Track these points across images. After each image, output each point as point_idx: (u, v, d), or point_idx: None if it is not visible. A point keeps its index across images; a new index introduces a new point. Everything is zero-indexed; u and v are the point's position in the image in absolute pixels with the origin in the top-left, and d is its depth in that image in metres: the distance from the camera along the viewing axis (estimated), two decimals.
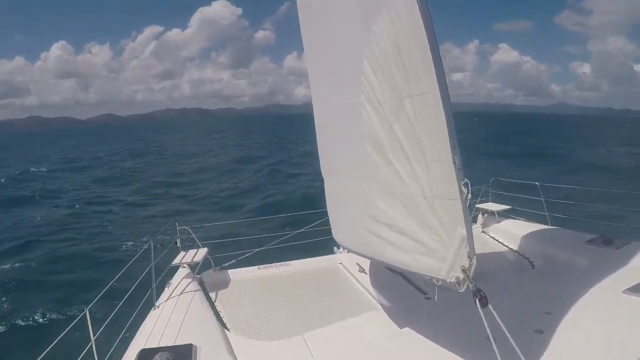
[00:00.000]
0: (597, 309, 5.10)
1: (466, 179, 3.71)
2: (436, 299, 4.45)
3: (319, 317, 6.12)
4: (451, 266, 4.07)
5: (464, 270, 3.94)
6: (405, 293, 6.41)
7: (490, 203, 9.78)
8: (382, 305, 6.25)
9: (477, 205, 9.73)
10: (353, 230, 5.66)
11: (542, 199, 8.98)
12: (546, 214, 8.86)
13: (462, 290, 3.97)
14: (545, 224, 8.77)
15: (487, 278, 7.27)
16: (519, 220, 9.24)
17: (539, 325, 4.72)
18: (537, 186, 9.09)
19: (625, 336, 4.44)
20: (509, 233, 8.85)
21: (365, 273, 7.34)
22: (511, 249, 8.44)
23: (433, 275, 4.27)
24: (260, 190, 30.51)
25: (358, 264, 7.64)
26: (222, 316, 6.25)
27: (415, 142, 4.10)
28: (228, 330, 5.72)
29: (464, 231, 3.84)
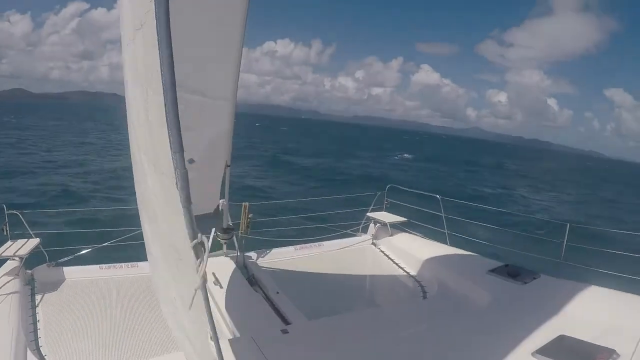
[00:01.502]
0: None
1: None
2: None
3: (156, 342, 4.79)
4: None
5: None
6: (264, 319, 5.17)
7: (384, 212, 8.50)
8: (233, 333, 4.86)
9: (368, 214, 8.44)
10: None
11: (443, 214, 7.72)
12: (446, 231, 7.63)
13: None
14: (444, 242, 7.56)
15: (370, 304, 5.96)
16: (415, 236, 8.06)
17: None
18: (439, 199, 7.84)
19: None
20: (402, 250, 7.67)
21: (221, 287, 5.85)
22: (402, 269, 7.25)
23: None
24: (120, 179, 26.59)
25: (214, 274, 6.07)
26: (38, 328, 4.95)
27: (149, 127, 2.36)
28: (39, 348, 4.53)
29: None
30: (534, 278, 5.94)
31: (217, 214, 5.57)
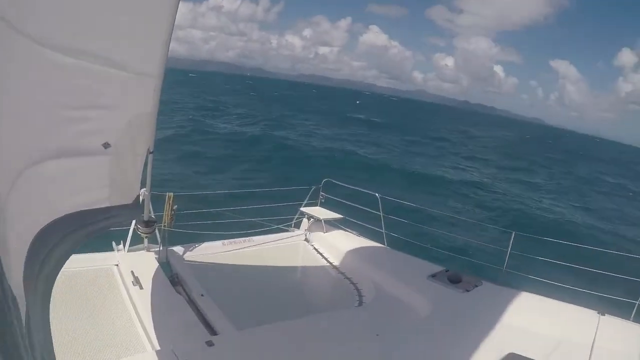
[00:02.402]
0: None
1: None
2: None
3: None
4: None
5: None
6: (187, 328, 4.58)
7: (318, 208, 7.99)
8: (152, 345, 4.20)
9: (302, 209, 7.91)
10: None
11: (381, 214, 7.34)
12: (383, 231, 7.26)
13: None
14: (381, 243, 7.24)
15: (304, 308, 5.55)
16: (350, 234, 7.65)
17: None
18: (377, 198, 7.46)
19: None
20: (337, 248, 7.23)
21: (141, 288, 5.12)
22: (337, 269, 6.80)
23: None
24: None
25: (132, 273, 5.34)
26: None
27: None
28: None
29: None
30: (476, 285, 5.78)
31: (136, 205, 4.76)
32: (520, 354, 4.20)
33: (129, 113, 3.97)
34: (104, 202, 3.73)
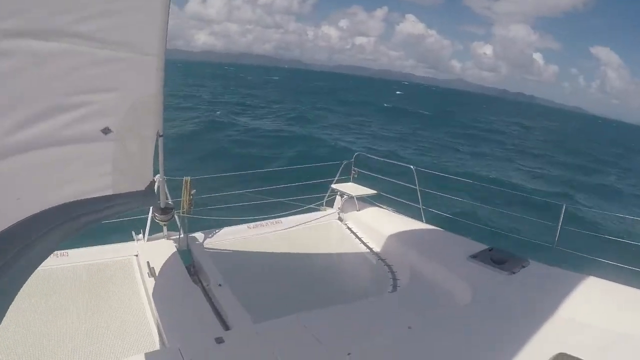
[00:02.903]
0: None
1: None
2: None
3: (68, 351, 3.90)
4: None
5: None
6: (200, 322, 4.30)
7: (350, 184, 7.53)
8: (163, 341, 4.03)
9: (333, 186, 7.46)
10: None
11: (417, 187, 6.83)
12: (421, 207, 6.76)
13: None
14: (418, 219, 6.74)
15: (332, 296, 5.21)
16: (386, 210, 7.18)
17: None
18: (413, 170, 6.95)
19: None
20: (371, 227, 6.78)
21: (156, 279, 4.96)
22: (371, 250, 6.37)
23: None
24: None
25: (148, 264, 5.15)
26: None
27: None
28: None
29: None
30: (523, 266, 5.19)
31: (150, 191, 4.55)
32: (574, 347, 3.65)
33: (130, 96, 3.72)
34: (105, 190, 3.53)
